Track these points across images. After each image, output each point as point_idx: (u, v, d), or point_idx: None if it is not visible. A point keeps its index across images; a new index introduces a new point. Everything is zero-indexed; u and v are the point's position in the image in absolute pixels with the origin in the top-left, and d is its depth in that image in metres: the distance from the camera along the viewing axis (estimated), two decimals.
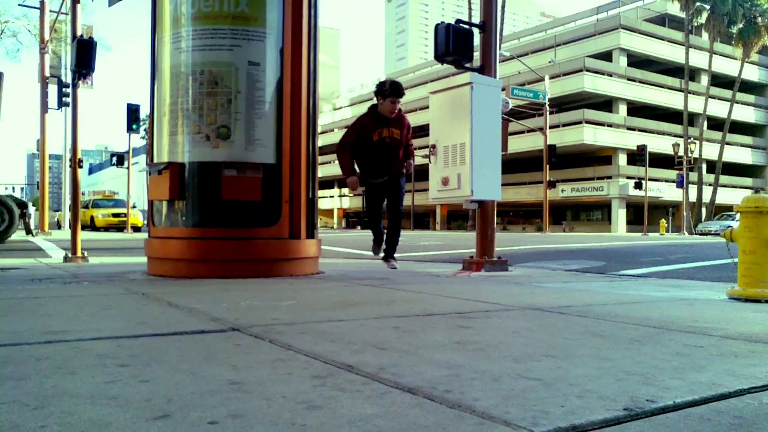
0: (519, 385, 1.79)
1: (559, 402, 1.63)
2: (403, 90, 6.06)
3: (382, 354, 2.23)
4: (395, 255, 6.83)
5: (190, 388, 1.73)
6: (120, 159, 31.65)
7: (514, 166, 48.24)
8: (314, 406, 1.57)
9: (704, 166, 47.98)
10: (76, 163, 8.50)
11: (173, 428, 1.39)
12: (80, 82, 8.53)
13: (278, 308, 3.47)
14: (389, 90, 5.96)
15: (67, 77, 20.23)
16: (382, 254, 6.72)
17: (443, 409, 1.56)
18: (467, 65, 6.88)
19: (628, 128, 50.18)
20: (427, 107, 6.84)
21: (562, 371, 1.98)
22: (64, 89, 20.52)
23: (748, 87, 54.91)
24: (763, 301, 4.03)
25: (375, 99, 6.20)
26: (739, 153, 56.20)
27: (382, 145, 6.03)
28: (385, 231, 6.73)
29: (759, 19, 45.43)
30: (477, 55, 7.08)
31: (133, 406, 1.55)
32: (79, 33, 8.59)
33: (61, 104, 20.89)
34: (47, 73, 21.61)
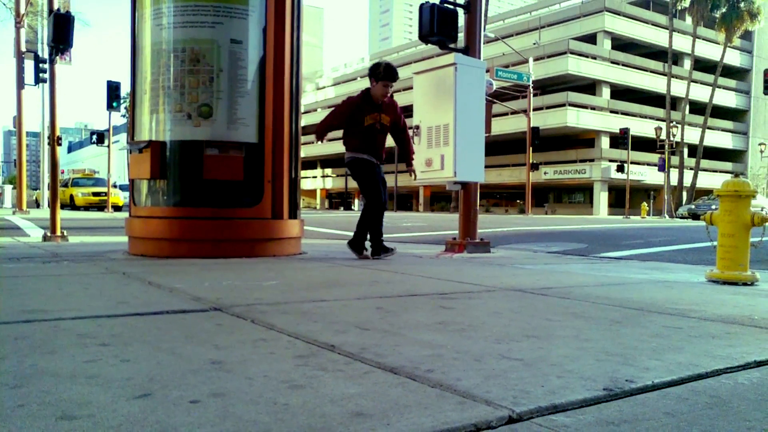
0: (500, 366, 1.81)
1: (539, 382, 1.64)
2: (398, 74, 5.74)
3: (364, 334, 2.23)
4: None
5: (172, 368, 1.73)
6: (100, 137, 31.23)
7: (498, 148, 48.35)
8: (296, 386, 1.57)
9: (686, 150, 48.39)
10: (54, 141, 8.37)
11: (154, 407, 1.38)
12: (58, 57, 8.36)
13: (260, 288, 3.46)
14: (383, 73, 5.65)
15: (44, 52, 19.85)
16: (367, 252, 5.92)
17: (425, 388, 1.57)
18: (452, 46, 6.86)
19: (611, 111, 50.45)
20: (411, 88, 6.81)
21: (543, 352, 2.00)
22: (41, 65, 20.11)
23: (729, 72, 55.36)
24: (741, 283, 4.10)
25: (369, 81, 5.81)
26: (720, 137, 56.78)
27: (373, 130, 5.71)
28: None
29: (742, 4, 45.63)
30: (461, 35, 7.05)
31: (114, 385, 1.54)
32: (56, 7, 8.42)
33: (38, 80, 20.48)
34: (23, 48, 21.13)
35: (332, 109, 6.06)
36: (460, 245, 6.57)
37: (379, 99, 5.73)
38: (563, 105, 48.59)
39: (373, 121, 5.71)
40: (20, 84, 20.95)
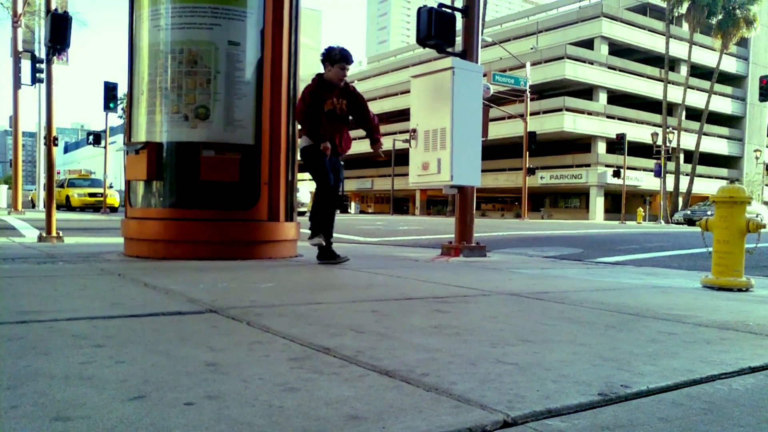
0: (496, 370, 1.81)
1: (534, 386, 1.64)
2: (352, 57, 5.50)
3: (359, 337, 2.23)
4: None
5: (167, 369, 1.72)
6: (96, 138, 31.13)
7: (494, 152, 48.41)
8: (291, 388, 1.57)
9: (682, 156, 48.52)
10: (51, 141, 8.34)
11: (149, 409, 1.38)
12: (55, 57, 8.34)
13: (256, 290, 3.46)
14: (339, 55, 5.40)
15: (41, 52, 19.78)
16: (321, 241, 5.48)
17: (420, 392, 1.57)
18: (449, 50, 6.86)
19: (608, 116, 50.57)
20: (409, 91, 6.81)
21: (538, 356, 2.00)
22: (38, 65, 20.03)
23: (726, 78, 55.54)
24: (736, 289, 4.11)
25: (323, 66, 5.51)
26: (716, 144, 56.96)
27: (333, 115, 5.47)
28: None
29: (738, 11, 45.83)
30: (459, 39, 7.06)
31: (109, 387, 1.54)
32: (53, 7, 8.40)
33: (35, 80, 20.41)
34: (20, 48, 21.07)
35: (299, 107, 5.55)
36: (456, 249, 6.57)
37: (336, 83, 5.48)
38: (560, 110, 48.69)
39: (332, 106, 5.47)
40: (17, 84, 20.89)
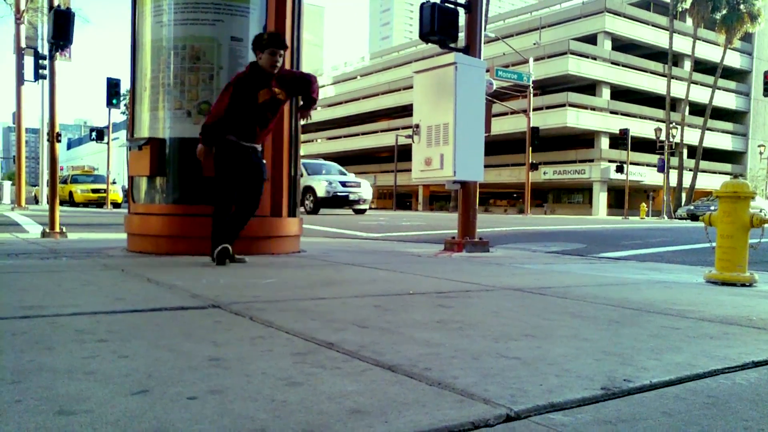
0: (498, 364, 1.81)
1: (537, 381, 1.64)
2: (285, 42, 4.89)
3: (362, 332, 2.23)
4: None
5: (170, 364, 1.73)
6: (99, 134, 31.23)
7: (497, 147, 48.34)
8: (294, 383, 1.57)
9: (685, 151, 48.41)
10: (54, 137, 8.36)
11: (152, 403, 1.38)
12: (57, 54, 8.35)
13: (259, 286, 3.46)
14: (268, 40, 4.80)
15: (44, 49, 19.79)
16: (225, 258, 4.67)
17: (423, 386, 1.57)
18: (452, 45, 6.85)
19: (611, 112, 50.46)
20: (411, 87, 6.81)
21: (541, 351, 2.00)
22: (40, 61, 20.08)
23: (729, 73, 55.37)
24: (739, 284, 4.10)
25: (254, 55, 4.89)
26: (720, 139, 56.82)
27: (265, 108, 4.86)
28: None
29: (742, 6, 45.65)
30: (462, 35, 7.04)
31: (112, 381, 1.54)
32: (56, 3, 8.41)
33: (37, 76, 20.45)
34: (23, 44, 21.10)
35: (218, 98, 4.93)
36: (459, 244, 6.57)
37: (269, 70, 4.83)
38: (563, 105, 48.61)
39: (268, 96, 4.84)
40: (20, 80, 20.92)
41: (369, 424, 1.29)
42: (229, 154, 4.81)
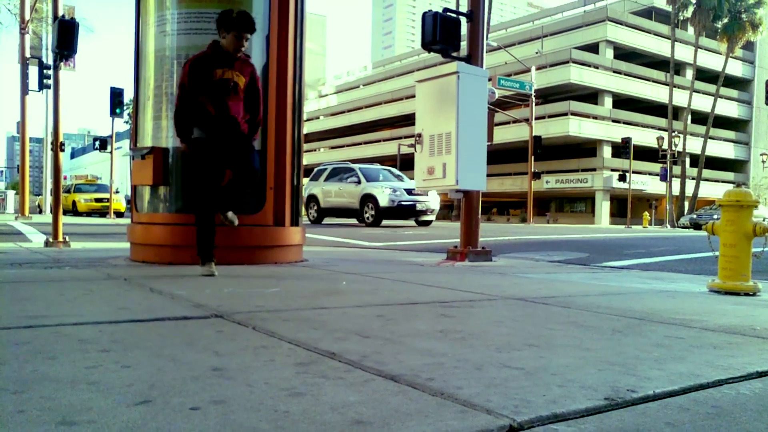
0: (501, 374, 1.80)
1: (540, 391, 1.64)
2: (254, 25, 4.52)
3: (365, 342, 2.23)
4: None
5: (172, 374, 1.72)
6: (103, 143, 31.33)
7: (499, 156, 48.38)
8: (297, 393, 1.57)
9: (688, 160, 48.40)
10: (57, 147, 8.39)
11: (154, 414, 1.38)
12: (62, 63, 8.40)
13: (262, 295, 3.46)
14: (236, 19, 4.41)
15: (49, 59, 19.88)
16: (213, 270, 4.47)
17: (426, 396, 1.57)
18: (454, 54, 6.87)
19: (613, 120, 50.50)
20: (414, 96, 6.82)
21: (544, 361, 2.00)
22: (45, 71, 20.20)
23: (731, 82, 55.43)
24: (742, 294, 4.09)
25: (218, 33, 4.53)
26: (722, 147, 56.79)
27: (224, 87, 4.43)
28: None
29: (744, 14, 45.77)
30: (464, 44, 7.07)
31: (115, 392, 1.54)
32: (60, 13, 8.45)
33: (42, 86, 20.56)
34: (27, 54, 21.20)
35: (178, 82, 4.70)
36: (462, 254, 6.56)
37: (231, 52, 4.50)
38: (565, 114, 48.67)
39: (226, 77, 4.45)
40: (24, 90, 21.00)
41: None
42: (195, 150, 4.57)
